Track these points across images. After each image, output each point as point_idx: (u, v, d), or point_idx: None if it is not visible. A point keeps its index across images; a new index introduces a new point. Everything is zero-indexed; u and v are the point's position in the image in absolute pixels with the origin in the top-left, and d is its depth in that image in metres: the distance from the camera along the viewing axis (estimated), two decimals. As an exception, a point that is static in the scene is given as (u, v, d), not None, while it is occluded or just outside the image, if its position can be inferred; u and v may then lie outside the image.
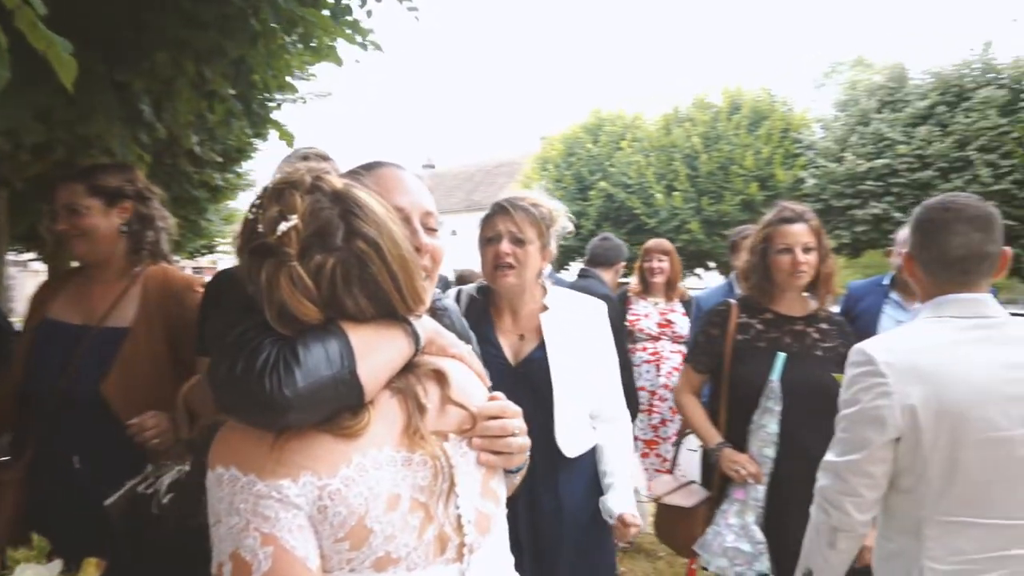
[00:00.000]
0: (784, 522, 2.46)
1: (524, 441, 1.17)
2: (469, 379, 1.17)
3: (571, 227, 2.34)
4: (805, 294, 2.72)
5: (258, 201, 1.03)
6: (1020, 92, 18.16)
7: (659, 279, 5.17)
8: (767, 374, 2.47)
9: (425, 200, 1.31)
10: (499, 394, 1.20)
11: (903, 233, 3.39)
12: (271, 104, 4.18)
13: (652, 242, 5.39)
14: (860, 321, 3.37)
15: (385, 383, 1.05)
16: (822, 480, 1.79)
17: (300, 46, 3.41)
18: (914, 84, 20.08)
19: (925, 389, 1.60)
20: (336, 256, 1.01)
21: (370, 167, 1.30)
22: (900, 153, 18.85)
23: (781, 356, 2.50)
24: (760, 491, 2.53)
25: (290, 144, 3.36)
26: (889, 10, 73.76)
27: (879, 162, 19.14)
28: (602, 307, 2.37)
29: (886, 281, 3.61)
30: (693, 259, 23.00)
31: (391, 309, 1.07)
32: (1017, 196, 17.55)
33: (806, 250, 2.55)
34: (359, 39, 3.43)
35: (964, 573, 1.58)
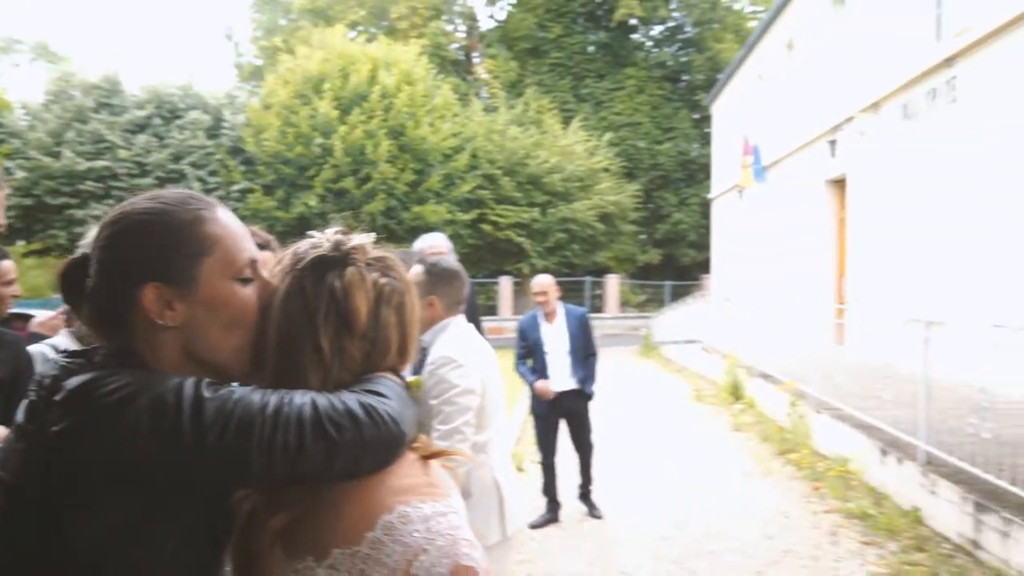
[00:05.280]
0: None
1: None
2: None
3: None
4: None
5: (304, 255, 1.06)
6: (221, 120, 21.08)
7: None
8: None
9: None
10: None
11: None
12: None
13: None
14: None
15: None
16: (442, 443, 2.35)
17: None
18: (131, 92, 20.64)
19: (479, 367, 2.53)
20: (390, 282, 1.08)
21: None
22: (121, 158, 19.12)
23: None
24: None
25: None
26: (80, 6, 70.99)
27: (99, 163, 18.93)
28: None
29: None
30: None
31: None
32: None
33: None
34: None
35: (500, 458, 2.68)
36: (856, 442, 6.02)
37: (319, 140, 19.50)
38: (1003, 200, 7.52)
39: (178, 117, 20.32)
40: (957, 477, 4.63)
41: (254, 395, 0.92)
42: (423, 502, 0.94)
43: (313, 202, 19.58)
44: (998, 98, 7.67)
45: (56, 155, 18.78)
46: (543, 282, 5.23)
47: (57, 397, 0.90)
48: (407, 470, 0.98)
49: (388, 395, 0.99)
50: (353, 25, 31.14)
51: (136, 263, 0.98)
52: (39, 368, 2.20)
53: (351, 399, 0.95)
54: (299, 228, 19.53)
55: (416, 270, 2.62)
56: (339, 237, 1.08)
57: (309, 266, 1.02)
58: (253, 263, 1.05)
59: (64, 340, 2.61)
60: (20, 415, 0.95)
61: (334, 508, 0.95)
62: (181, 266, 0.98)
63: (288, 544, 0.96)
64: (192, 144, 19.98)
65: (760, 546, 4.66)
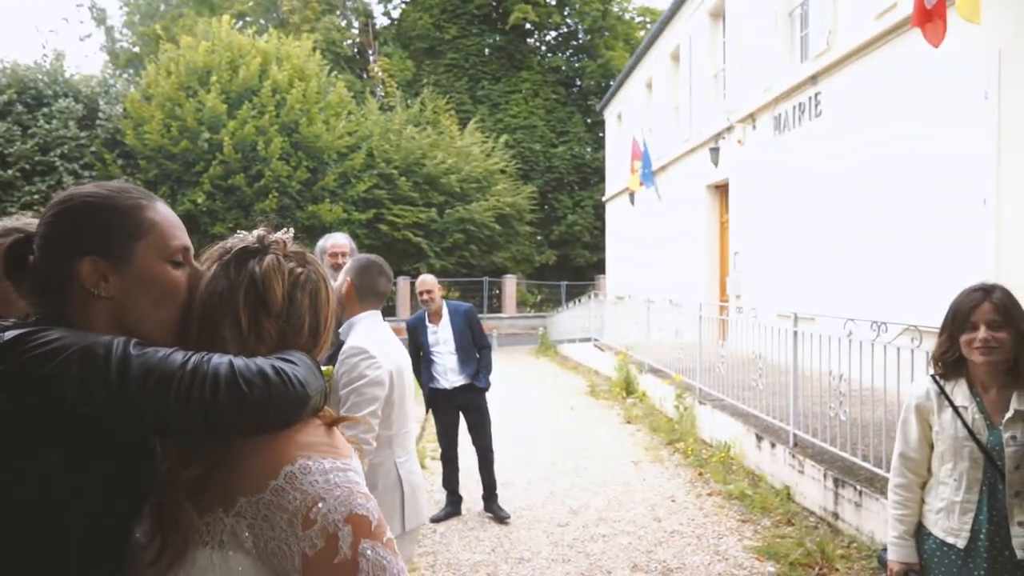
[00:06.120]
0: None
1: None
2: None
3: None
4: None
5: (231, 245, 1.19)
6: (96, 109, 19.72)
7: None
8: None
9: None
10: None
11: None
12: None
13: None
14: None
15: None
16: (347, 432, 2.42)
17: None
18: (-13, 75, 18.96)
19: (389, 362, 2.58)
20: (306, 272, 1.20)
21: None
22: (-23, 147, 17.54)
23: None
24: None
25: None
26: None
27: (-49, 153, 17.29)
28: None
29: None
30: None
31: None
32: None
33: None
34: None
35: (406, 455, 2.72)
36: (736, 430, 6.50)
37: (206, 135, 18.63)
38: (865, 216, 8.31)
39: (45, 105, 18.80)
40: (820, 457, 5.12)
41: (177, 354, 1.02)
42: (324, 458, 1.06)
43: (201, 199, 18.70)
44: (854, 117, 8.47)
45: (-99, 143, 17.00)
46: (427, 281, 5.32)
47: None
48: (312, 430, 1.10)
49: (297, 363, 1.11)
50: (240, 16, 29.96)
51: (77, 237, 1.07)
52: None
53: (264, 362, 1.06)
54: (186, 226, 18.37)
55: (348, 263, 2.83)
56: (262, 233, 1.21)
57: (233, 255, 1.15)
58: (185, 250, 1.15)
59: None
60: None
61: (242, 460, 1.04)
62: (118, 243, 1.08)
63: (198, 498, 1.04)
64: (63, 135, 18.56)
65: (649, 528, 4.97)
